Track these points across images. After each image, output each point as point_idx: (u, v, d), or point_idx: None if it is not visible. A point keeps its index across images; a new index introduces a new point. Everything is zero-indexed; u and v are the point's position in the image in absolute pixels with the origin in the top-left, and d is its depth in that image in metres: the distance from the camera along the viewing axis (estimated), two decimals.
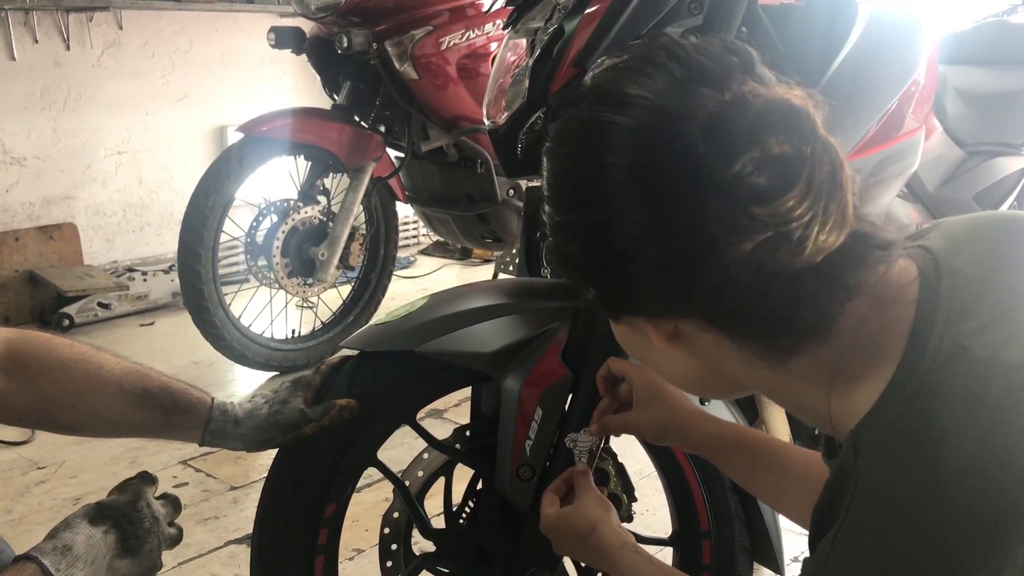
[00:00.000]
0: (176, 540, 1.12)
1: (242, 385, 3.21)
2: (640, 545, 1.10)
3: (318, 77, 3.42)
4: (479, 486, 1.41)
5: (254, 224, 3.17)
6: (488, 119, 1.47)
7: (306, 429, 1.24)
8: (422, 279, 4.63)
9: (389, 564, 1.40)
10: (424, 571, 1.40)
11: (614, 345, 1.26)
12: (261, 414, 1.24)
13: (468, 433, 1.42)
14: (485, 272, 4.64)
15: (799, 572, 0.78)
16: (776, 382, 0.81)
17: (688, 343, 0.81)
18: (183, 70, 4.38)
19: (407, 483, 1.38)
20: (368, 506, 2.32)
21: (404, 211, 3.98)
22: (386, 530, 1.41)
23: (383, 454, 1.33)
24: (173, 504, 1.15)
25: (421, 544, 1.43)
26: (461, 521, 1.41)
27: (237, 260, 4.01)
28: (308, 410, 1.25)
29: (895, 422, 0.70)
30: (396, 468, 1.39)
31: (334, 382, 1.28)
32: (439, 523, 1.42)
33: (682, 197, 0.71)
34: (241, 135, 3.04)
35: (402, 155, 3.32)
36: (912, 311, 0.74)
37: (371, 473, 1.34)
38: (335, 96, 3.32)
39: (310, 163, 3.24)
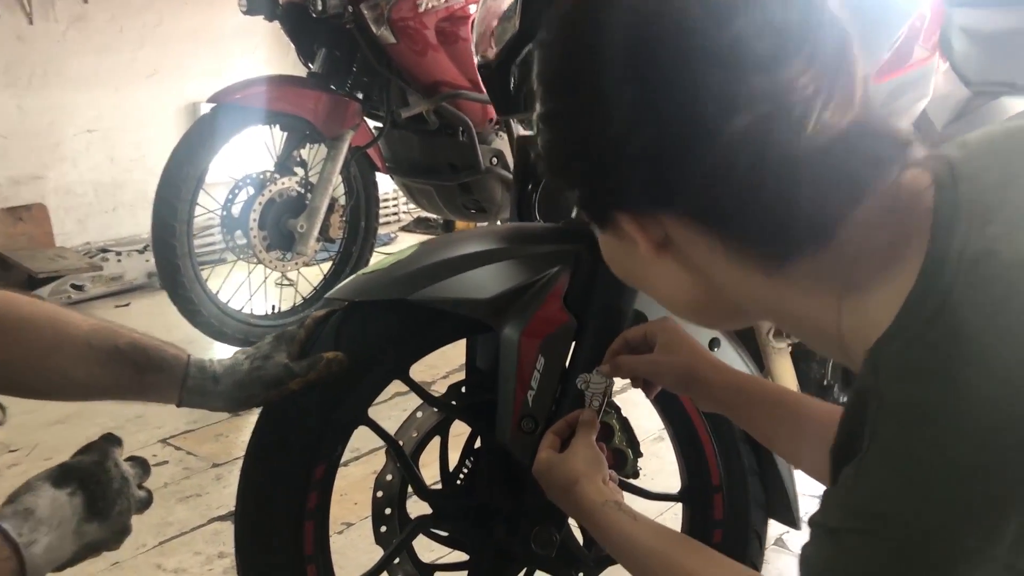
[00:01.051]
0: (146, 504, 1.04)
1: None
2: (626, 504, 1.03)
3: (292, 47, 3.31)
4: (477, 444, 1.34)
5: (230, 197, 3.07)
6: (478, 55, 1.39)
7: (291, 385, 1.15)
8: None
9: (383, 529, 1.32)
10: (421, 535, 1.32)
11: (619, 289, 1.19)
12: (242, 370, 1.16)
13: (464, 389, 1.34)
14: None
15: (818, 507, 0.70)
16: (777, 298, 0.72)
17: (679, 252, 0.74)
18: (153, 45, 4.25)
19: (400, 443, 1.30)
20: (356, 479, 2.24)
21: (384, 187, 3.88)
22: (379, 493, 1.33)
23: (374, 412, 1.25)
24: (142, 465, 1.06)
25: (416, 507, 1.35)
26: (459, 481, 1.33)
27: (214, 240, 3.90)
28: (293, 364, 1.16)
29: (919, 337, 0.62)
30: (368, 446, 1.31)
31: (320, 335, 1.20)
32: (435, 485, 1.34)
33: (676, 70, 0.66)
34: (213, 105, 2.94)
35: (381, 125, 3.22)
36: (929, 218, 0.66)
37: (358, 445, 1.27)
38: (310, 65, 3.22)
39: (286, 133, 3.14)
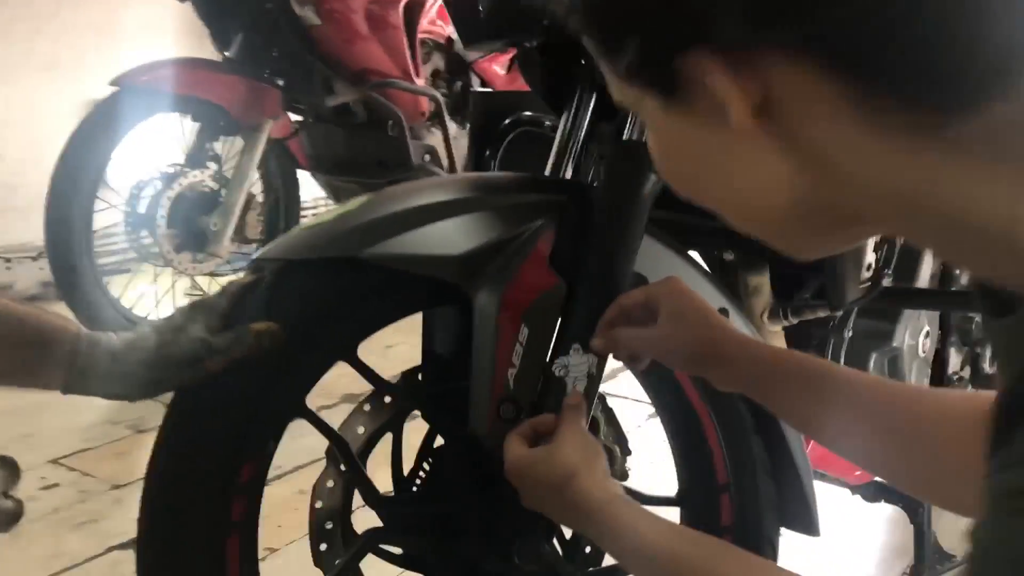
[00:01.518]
0: (14, 517, 0.79)
1: None
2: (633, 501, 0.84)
3: (206, 41, 3.04)
4: (437, 442, 1.11)
5: (135, 192, 2.77)
6: None
7: (210, 364, 0.91)
8: None
9: (324, 548, 1.08)
10: (371, 555, 1.09)
11: (616, 247, 0.99)
12: (147, 346, 0.91)
13: (420, 377, 1.12)
14: None
15: (988, 478, 0.50)
16: (928, 187, 0.49)
17: (783, 121, 0.51)
18: (50, 36, 3.91)
19: (346, 440, 1.06)
20: (279, 501, 1.97)
21: (308, 191, 3.62)
22: (318, 504, 1.08)
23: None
24: (10, 468, 0.81)
25: (363, 521, 1.11)
26: (415, 488, 1.10)
27: (117, 246, 3.57)
28: (212, 339, 0.92)
29: None
30: (293, 462, 1.07)
31: (248, 304, 0.96)
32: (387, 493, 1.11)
33: None
34: (115, 89, 2.65)
35: (303, 118, 2.98)
36: None
37: (281, 463, 1.02)
38: (226, 53, 2.95)
39: (199, 124, 2.86)
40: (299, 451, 1.02)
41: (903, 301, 1.33)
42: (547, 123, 1.51)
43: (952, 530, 2.04)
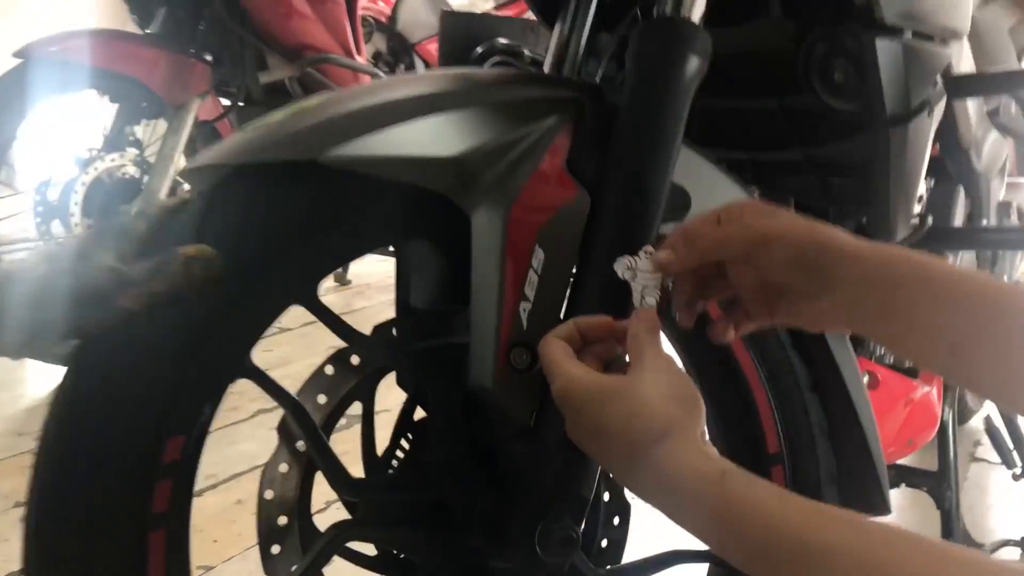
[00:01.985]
0: None
1: (33, 385, 2.50)
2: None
3: (125, 5, 2.77)
4: (418, 415, 0.89)
5: (45, 178, 2.49)
6: None
7: (122, 300, 0.68)
8: None
9: (276, 550, 0.84)
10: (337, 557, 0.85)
11: (649, 150, 0.78)
12: (33, 276, 0.68)
13: (395, 332, 0.89)
14: None
15: None
16: None
17: None
18: None
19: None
20: (214, 513, 1.72)
21: None
22: (269, 494, 0.85)
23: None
24: None
25: (326, 517, 0.88)
26: (391, 469, 0.87)
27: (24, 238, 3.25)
28: (125, 268, 0.69)
29: None
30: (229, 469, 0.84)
31: (176, 227, 0.73)
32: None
33: None
34: (20, 61, 2.37)
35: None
36: None
37: (215, 470, 0.80)
38: (147, 29, 2.69)
39: (118, 103, 2.59)
40: (237, 457, 0.79)
41: (957, 241, 1.15)
42: (526, 53, 1.30)
43: (978, 521, 1.88)
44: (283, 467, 0.85)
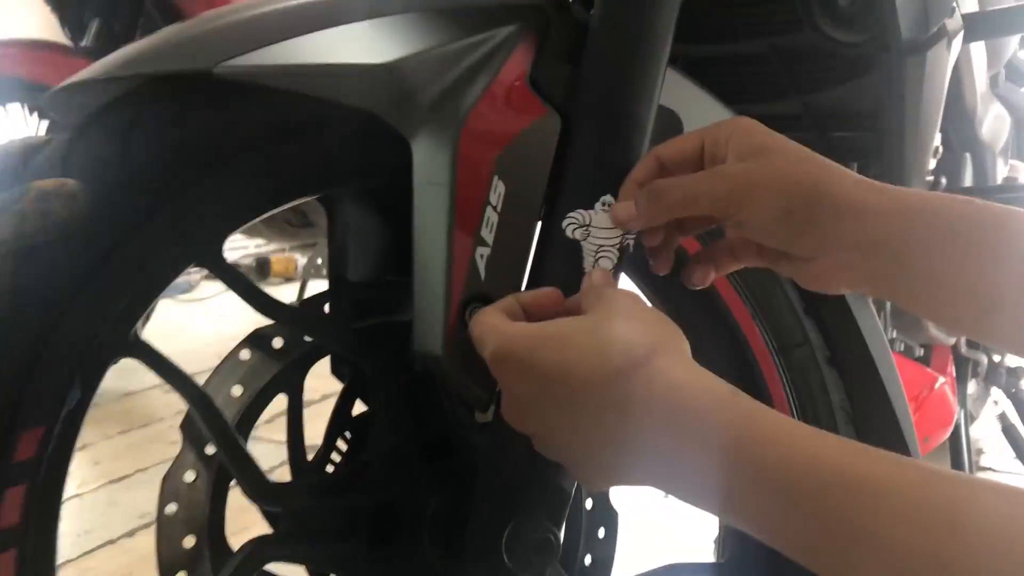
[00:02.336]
0: None
1: None
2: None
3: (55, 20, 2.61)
4: (358, 410, 0.73)
5: None
6: None
7: None
8: (206, 302, 3.77)
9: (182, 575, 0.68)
10: None
11: (629, 65, 0.64)
12: None
13: (328, 308, 0.73)
14: (288, 293, 3.86)
15: None
16: None
17: None
18: None
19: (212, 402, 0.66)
20: (148, 553, 1.53)
21: None
22: (171, 509, 0.68)
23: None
24: None
25: (245, 527, 0.71)
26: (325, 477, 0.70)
27: None
28: None
29: None
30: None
31: (33, 161, 0.57)
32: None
33: None
34: None
35: None
36: None
37: (148, 510, 0.68)
38: (81, 43, 2.52)
39: (48, 123, 2.42)
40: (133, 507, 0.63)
41: None
42: None
43: None
44: (188, 475, 0.69)
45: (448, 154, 0.58)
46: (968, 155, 1.15)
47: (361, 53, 0.59)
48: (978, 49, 1.13)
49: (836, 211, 0.55)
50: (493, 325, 0.53)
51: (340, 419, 0.73)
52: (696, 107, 0.69)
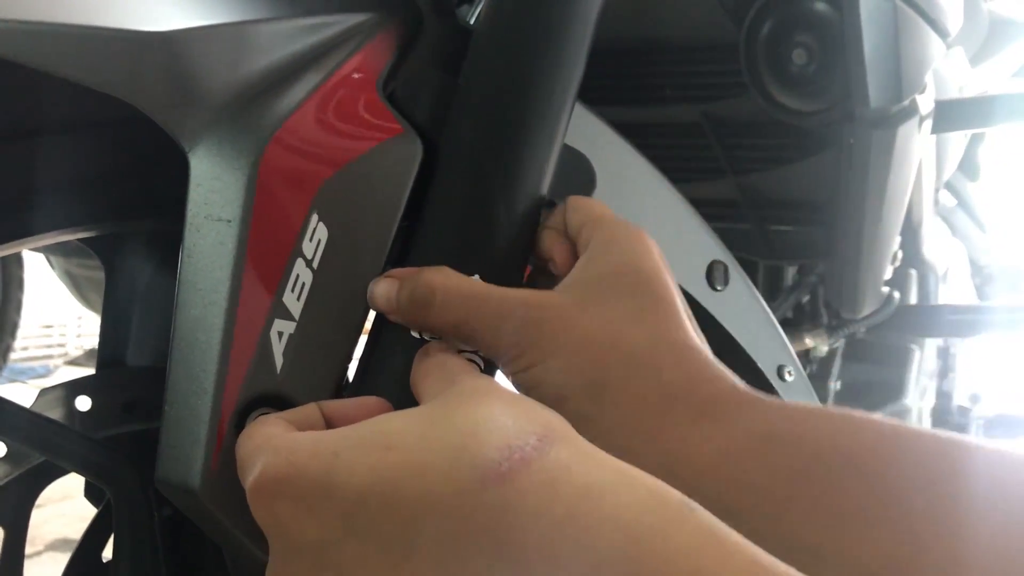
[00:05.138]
0: None
1: None
2: None
3: None
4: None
5: None
6: None
7: None
8: None
9: None
10: None
11: (531, 80, 0.45)
12: None
13: (85, 401, 0.51)
14: None
15: None
16: None
17: None
18: None
19: None
20: None
21: (51, 317, 2.87)
22: None
23: None
24: None
25: None
26: None
27: None
28: None
29: None
30: None
31: None
32: None
33: None
34: None
35: None
36: None
37: None
38: None
39: None
40: None
41: (928, 325, 0.85)
42: None
43: None
44: None
45: (242, 176, 0.38)
46: (914, 272, 1.01)
47: (128, 18, 0.39)
48: (928, 158, 1.00)
49: (641, 411, 0.38)
50: (267, 436, 0.32)
51: (83, 567, 0.50)
52: (614, 155, 0.51)
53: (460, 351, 0.40)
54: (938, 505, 0.35)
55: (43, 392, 0.51)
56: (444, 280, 0.39)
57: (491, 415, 0.29)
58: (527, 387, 0.39)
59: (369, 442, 0.30)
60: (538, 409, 0.31)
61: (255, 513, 0.32)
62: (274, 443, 0.31)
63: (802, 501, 0.36)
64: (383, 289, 0.39)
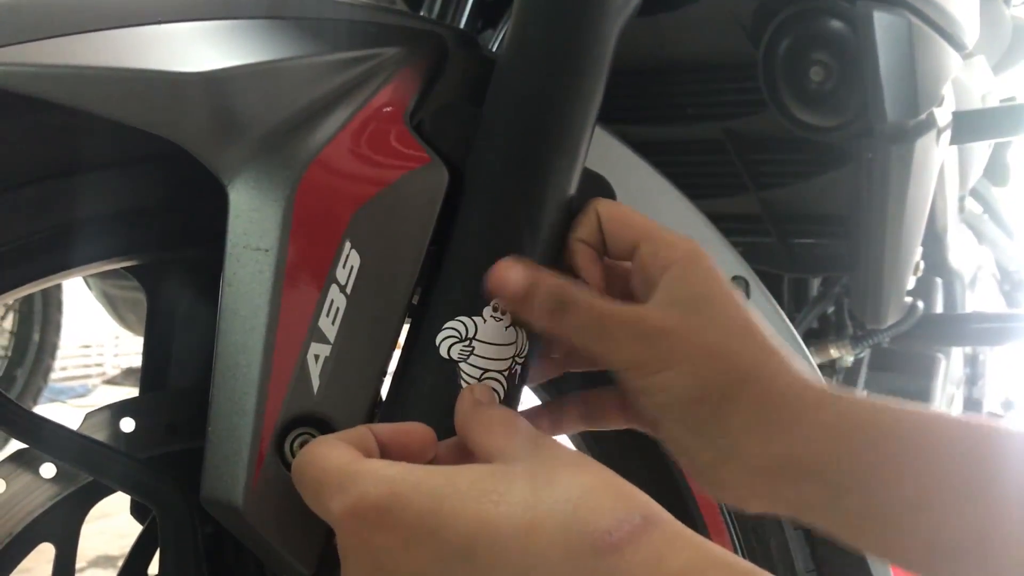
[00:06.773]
0: None
1: None
2: None
3: None
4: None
5: None
6: None
7: None
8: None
9: None
10: None
11: (551, 108, 0.47)
12: None
13: (128, 423, 0.53)
14: None
15: None
16: None
17: None
18: None
19: None
20: None
21: (87, 336, 2.93)
22: None
23: None
24: None
25: None
26: None
27: None
28: None
29: None
30: None
31: None
32: None
33: None
34: None
35: None
36: None
37: None
38: None
39: None
40: None
41: (954, 335, 0.86)
42: None
43: None
44: None
45: (279, 207, 0.40)
46: (939, 280, 1.01)
47: (169, 60, 0.41)
48: (951, 165, 1.00)
49: (759, 412, 0.39)
50: (345, 463, 0.34)
51: (141, 549, 0.52)
52: (634, 175, 0.53)
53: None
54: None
55: (89, 415, 0.53)
56: (577, 291, 0.42)
57: (595, 487, 0.32)
58: (648, 393, 0.41)
59: (475, 491, 0.32)
60: (634, 488, 0.34)
61: (342, 538, 0.33)
62: (370, 470, 0.33)
63: (901, 483, 0.39)
64: (518, 278, 0.41)
